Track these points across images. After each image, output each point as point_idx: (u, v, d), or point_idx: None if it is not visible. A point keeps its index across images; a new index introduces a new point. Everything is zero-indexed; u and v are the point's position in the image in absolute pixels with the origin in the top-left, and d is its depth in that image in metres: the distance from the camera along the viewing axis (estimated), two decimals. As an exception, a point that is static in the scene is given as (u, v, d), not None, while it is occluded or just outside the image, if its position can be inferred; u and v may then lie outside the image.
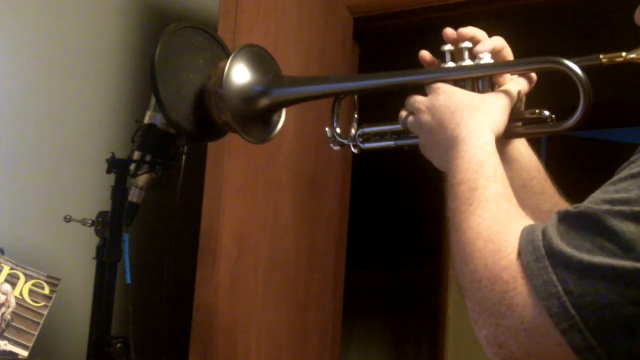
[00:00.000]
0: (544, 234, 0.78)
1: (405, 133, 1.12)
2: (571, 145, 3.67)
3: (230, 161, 1.93)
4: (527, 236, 0.79)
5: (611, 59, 0.98)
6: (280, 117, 1.33)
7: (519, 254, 0.78)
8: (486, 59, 1.04)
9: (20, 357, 1.53)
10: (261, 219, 2.07)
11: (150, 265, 1.87)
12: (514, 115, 1.03)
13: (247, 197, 2.02)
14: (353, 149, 1.18)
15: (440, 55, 1.10)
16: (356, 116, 1.18)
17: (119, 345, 1.50)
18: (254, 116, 1.24)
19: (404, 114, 1.08)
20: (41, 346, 1.61)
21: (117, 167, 1.54)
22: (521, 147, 1.14)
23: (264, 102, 1.23)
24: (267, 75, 1.25)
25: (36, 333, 1.56)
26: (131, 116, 1.89)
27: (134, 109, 2.04)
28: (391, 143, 1.14)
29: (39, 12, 1.93)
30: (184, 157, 1.50)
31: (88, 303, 1.55)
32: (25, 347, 1.54)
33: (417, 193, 4.27)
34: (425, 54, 1.13)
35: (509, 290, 0.77)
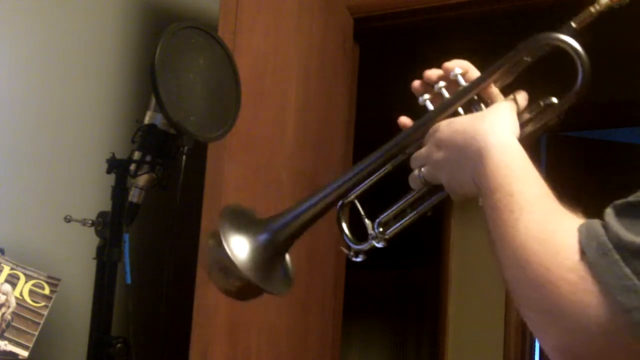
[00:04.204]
0: (606, 228, 0.74)
1: (421, 199, 1.06)
2: (571, 145, 3.67)
3: (230, 161, 1.93)
4: (587, 233, 0.75)
5: (582, 20, 0.97)
6: (285, 258, 1.16)
7: (582, 253, 0.74)
8: (464, 84, 1.02)
9: (20, 357, 1.53)
10: (261, 219, 2.07)
11: (150, 265, 1.87)
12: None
13: (247, 197, 2.02)
14: (379, 244, 1.09)
15: (420, 109, 1.06)
16: (362, 212, 1.10)
17: (119, 345, 1.50)
18: (267, 267, 1.09)
19: (415, 172, 1.02)
20: (41, 346, 1.61)
21: (117, 167, 1.54)
22: None
23: (275, 244, 1.10)
24: (258, 221, 1.12)
25: (36, 333, 1.56)
26: (131, 116, 1.89)
27: (134, 109, 2.04)
28: (414, 214, 1.07)
29: (39, 12, 1.93)
30: (184, 157, 1.50)
31: (88, 303, 1.55)
32: (25, 347, 1.54)
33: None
34: (404, 120, 1.07)
35: (578, 291, 0.73)
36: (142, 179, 1.54)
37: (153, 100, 1.51)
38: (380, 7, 2.59)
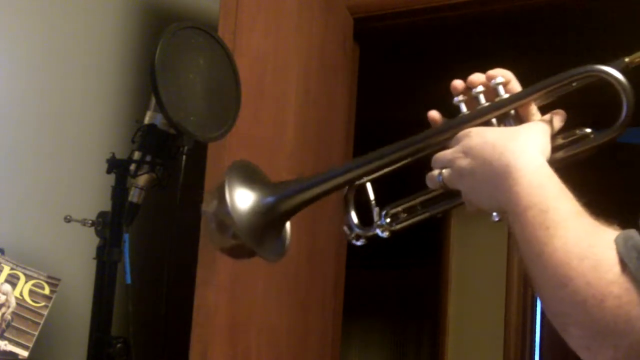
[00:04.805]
0: None
1: (435, 200, 1.04)
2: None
3: (230, 161, 1.93)
4: (625, 243, 0.74)
5: (636, 59, 0.92)
6: (286, 229, 1.16)
7: (623, 264, 0.73)
8: (505, 95, 0.99)
9: (20, 357, 1.53)
10: (261, 219, 2.07)
11: (150, 265, 1.87)
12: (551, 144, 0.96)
13: (247, 197, 2.02)
14: (382, 234, 1.07)
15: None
16: (373, 201, 1.07)
17: (119, 345, 1.50)
18: (265, 231, 1.08)
19: (435, 172, 0.99)
20: (41, 346, 1.61)
21: (117, 167, 1.54)
22: None
23: (278, 211, 1.08)
24: (267, 184, 1.11)
25: (36, 333, 1.56)
26: (131, 116, 1.89)
27: (134, 109, 2.04)
28: (425, 214, 1.06)
29: (38, 12, 1.93)
30: (184, 157, 1.50)
31: (88, 303, 1.55)
32: (25, 347, 1.54)
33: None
34: (434, 114, 1.04)
35: (622, 304, 0.72)
36: (142, 179, 1.54)
37: (153, 100, 1.51)
38: (380, 7, 2.59)
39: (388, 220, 1.07)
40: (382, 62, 3.37)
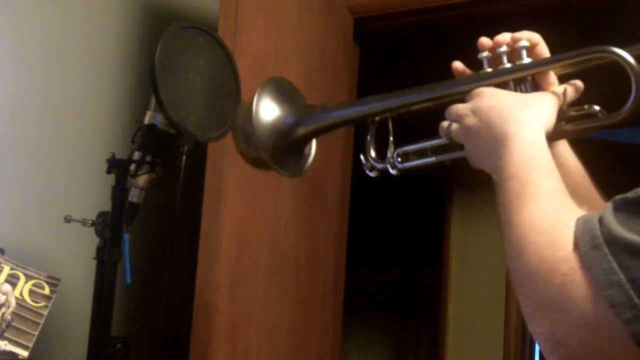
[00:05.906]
0: (601, 221, 0.75)
1: (444, 148, 1.08)
2: (571, 145, 3.66)
3: (230, 161, 1.93)
4: (583, 225, 0.76)
5: None
6: (310, 149, 1.24)
7: (576, 244, 0.75)
8: (526, 60, 1.02)
9: (20, 357, 1.53)
10: (261, 219, 2.07)
11: (150, 265, 1.87)
12: (559, 115, 0.99)
13: (247, 197, 2.02)
14: (391, 171, 1.13)
15: (477, 63, 1.07)
16: (391, 138, 1.12)
17: (119, 345, 1.50)
18: (287, 149, 1.17)
19: (445, 123, 1.03)
20: (41, 346, 1.61)
21: (117, 167, 1.54)
22: (566, 152, 1.10)
23: (297, 133, 1.16)
24: (296, 105, 1.18)
25: (36, 333, 1.56)
26: (131, 116, 1.89)
27: (134, 109, 2.04)
28: (431, 159, 1.10)
29: (39, 12, 1.93)
30: (184, 157, 1.50)
31: (88, 303, 1.55)
32: (25, 347, 1.54)
33: (417, 193, 4.28)
34: (458, 65, 1.09)
35: (567, 282, 0.74)
36: (142, 179, 1.54)
37: (153, 100, 1.51)
38: (380, 7, 2.59)
39: (399, 159, 1.12)
40: (382, 62, 3.37)
